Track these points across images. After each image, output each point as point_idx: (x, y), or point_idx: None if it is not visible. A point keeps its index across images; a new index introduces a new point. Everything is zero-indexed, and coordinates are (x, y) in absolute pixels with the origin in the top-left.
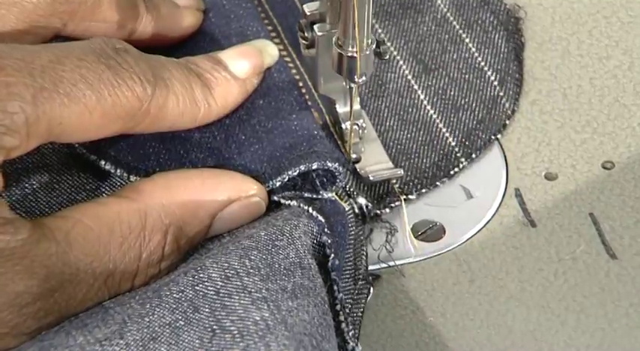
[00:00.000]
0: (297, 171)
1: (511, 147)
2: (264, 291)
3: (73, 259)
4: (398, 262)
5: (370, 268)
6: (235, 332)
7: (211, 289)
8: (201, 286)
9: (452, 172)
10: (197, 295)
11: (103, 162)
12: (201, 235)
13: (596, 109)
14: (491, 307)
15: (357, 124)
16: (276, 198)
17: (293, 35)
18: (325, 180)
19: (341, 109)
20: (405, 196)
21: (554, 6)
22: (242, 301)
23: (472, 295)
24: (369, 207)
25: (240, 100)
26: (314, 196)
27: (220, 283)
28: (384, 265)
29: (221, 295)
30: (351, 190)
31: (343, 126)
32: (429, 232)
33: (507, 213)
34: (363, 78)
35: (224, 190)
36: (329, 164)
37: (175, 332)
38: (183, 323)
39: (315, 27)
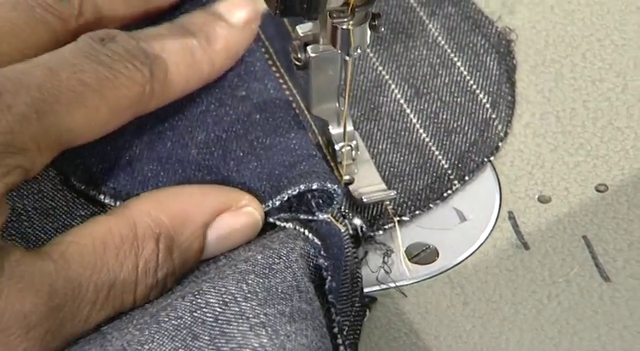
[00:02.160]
0: (297, 190)
1: (504, 170)
2: (262, 316)
3: (72, 273)
4: (391, 285)
5: (367, 290)
6: None
7: (210, 315)
8: (199, 312)
9: (445, 195)
10: (196, 322)
11: (102, 196)
12: (196, 247)
13: (590, 131)
14: (484, 329)
15: (350, 146)
16: (272, 220)
17: (285, 58)
18: (321, 201)
19: (334, 130)
20: (398, 218)
21: (547, 29)
22: (240, 328)
23: (466, 318)
24: (364, 228)
25: (243, 49)
26: (310, 217)
27: (219, 310)
28: (383, 286)
29: (220, 321)
30: (346, 211)
31: (336, 147)
32: (422, 254)
33: (501, 236)
34: (358, 51)
35: (212, 200)
36: (329, 185)
37: None
38: None
39: (309, 48)
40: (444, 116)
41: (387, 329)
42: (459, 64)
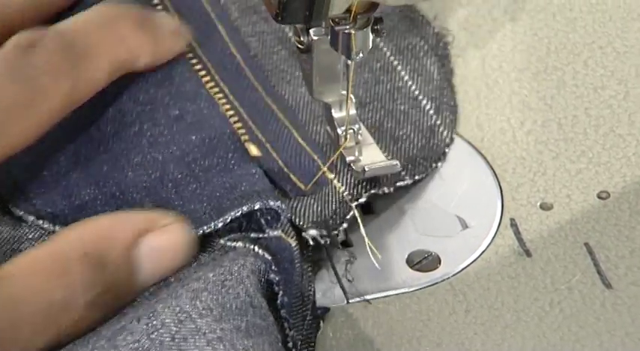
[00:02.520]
0: (240, 212)
1: (506, 177)
2: (218, 331)
3: (5, 299)
4: (393, 292)
5: (360, 299)
6: None
7: (167, 336)
8: (156, 333)
9: (398, 184)
10: (153, 344)
11: (41, 221)
12: (126, 268)
13: (592, 139)
14: (487, 336)
15: (353, 129)
16: (222, 241)
17: (226, 73)
18: (270, 218)
19: (336, 114)
20: (355, 202)
21: (549, 36)
22: (197, 343)
23: (468, 325)
24: (324, 234)
25: (172, 51)
26: (260, 235)
27: (174, 329)
28: (384, 294)
29: (177, 340)
30: (300, 223)
31: (339, 131)
32: (424, 262)
33: (503, 243)
34: (360, 55)
35: (133, 222)
36: (271, 203)
37: None
38: None
39: (311, 31)
40: (389, 124)
41: (389, 336)
42: (399, 68)
